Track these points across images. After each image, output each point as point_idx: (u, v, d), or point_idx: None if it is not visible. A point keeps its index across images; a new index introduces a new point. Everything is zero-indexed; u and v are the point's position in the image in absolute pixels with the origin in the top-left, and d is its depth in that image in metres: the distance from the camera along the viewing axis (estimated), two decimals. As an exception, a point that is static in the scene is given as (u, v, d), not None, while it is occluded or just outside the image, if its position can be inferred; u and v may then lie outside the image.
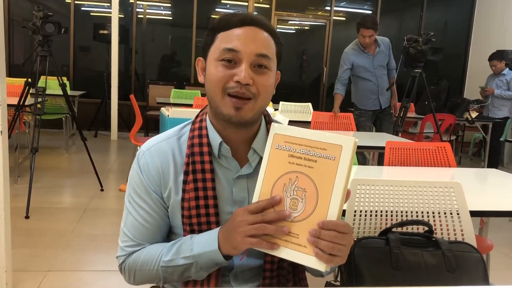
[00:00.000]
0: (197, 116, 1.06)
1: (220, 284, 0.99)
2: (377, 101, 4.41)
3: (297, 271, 1.06)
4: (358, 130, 4.18)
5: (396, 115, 4.46)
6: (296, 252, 0.84)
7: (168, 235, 1.07)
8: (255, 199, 0.89)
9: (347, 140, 0.84)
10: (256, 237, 0.86)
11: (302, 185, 0.86)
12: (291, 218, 0.86)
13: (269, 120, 1.04)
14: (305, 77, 8.07)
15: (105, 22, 6.66)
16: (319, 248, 0.82)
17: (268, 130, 0.99)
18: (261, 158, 0.93)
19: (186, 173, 0.98)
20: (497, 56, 5.85)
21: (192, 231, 0.98)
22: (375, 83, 4.35)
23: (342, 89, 4.31)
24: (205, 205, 0.97)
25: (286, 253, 0.85)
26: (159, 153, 1.01)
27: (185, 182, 0.98)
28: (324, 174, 0.84)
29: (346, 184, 0.83)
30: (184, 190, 0.98)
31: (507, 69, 5.79)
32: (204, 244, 0.94)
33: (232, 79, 0.93)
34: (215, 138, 1.00)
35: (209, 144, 1.00)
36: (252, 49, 0.93)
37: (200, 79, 1.02)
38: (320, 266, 0.83)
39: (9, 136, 3.86)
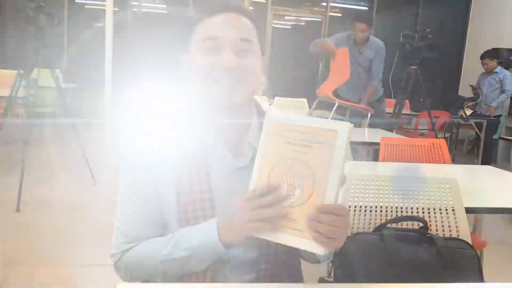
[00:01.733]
0: (186, 109, 1.03)
1: (217, 276, 0.98)
2: (356, 94, 4.38)
3: (292, 268, 1.06)
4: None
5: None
6: (294, 237, 0.84)
7: (163, 230, 1.04)
8: (251, 187, 0.89)
9: (342, 125, 0.84)
10: (255, 223, 0.85)
11: (299, 171, 0.85)
12: (289, 204, 0.85)
13: (261, 112, 1.03)
14: (301, 73, 8.05)
15: (100, 15, 6.59)
16: (317, 231, 0.81)
17: (261, 122, 0.97)
18: (256, 151, 0.92)
19: (179, 168, 0.96)
20: (490, 54, 5.86)
21: (189, 225, 0.97)
22: (353, 76, 4.30)
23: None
24: (200, 199, 0.96)
25: (285, 238, 0.85)
26: (150, 148, 0.99)
27: (178, 177, 0.96)
28: (320, 159, 0.84)
29: (342, 168, 0.83)
30: (178, 186, 0.97)
31: (499, 67, 5.80)
32: (203, 236, 0.93)
33: (217, 66, 0.91)
34: (206, 132, 0.98)
35: (201, 137, 0.98)
36: (234, 35, 0.91)
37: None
38: (318, 250, 0.83)
39: (0, 128, 3.82)
